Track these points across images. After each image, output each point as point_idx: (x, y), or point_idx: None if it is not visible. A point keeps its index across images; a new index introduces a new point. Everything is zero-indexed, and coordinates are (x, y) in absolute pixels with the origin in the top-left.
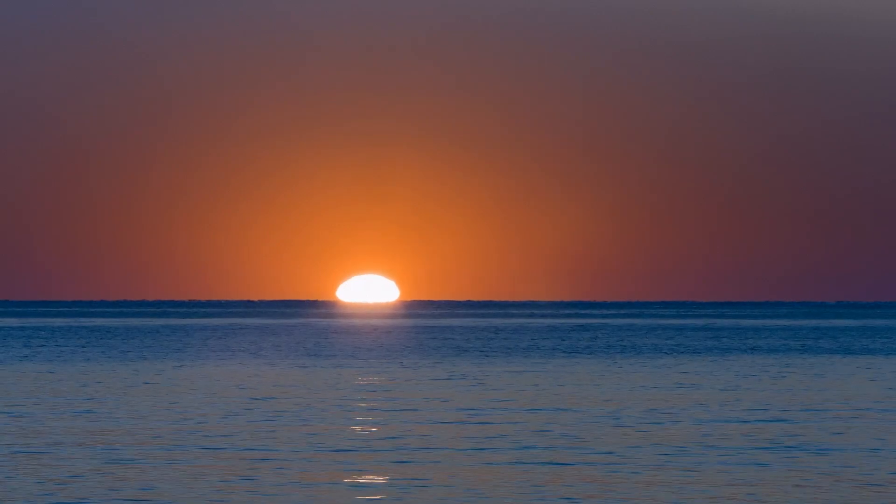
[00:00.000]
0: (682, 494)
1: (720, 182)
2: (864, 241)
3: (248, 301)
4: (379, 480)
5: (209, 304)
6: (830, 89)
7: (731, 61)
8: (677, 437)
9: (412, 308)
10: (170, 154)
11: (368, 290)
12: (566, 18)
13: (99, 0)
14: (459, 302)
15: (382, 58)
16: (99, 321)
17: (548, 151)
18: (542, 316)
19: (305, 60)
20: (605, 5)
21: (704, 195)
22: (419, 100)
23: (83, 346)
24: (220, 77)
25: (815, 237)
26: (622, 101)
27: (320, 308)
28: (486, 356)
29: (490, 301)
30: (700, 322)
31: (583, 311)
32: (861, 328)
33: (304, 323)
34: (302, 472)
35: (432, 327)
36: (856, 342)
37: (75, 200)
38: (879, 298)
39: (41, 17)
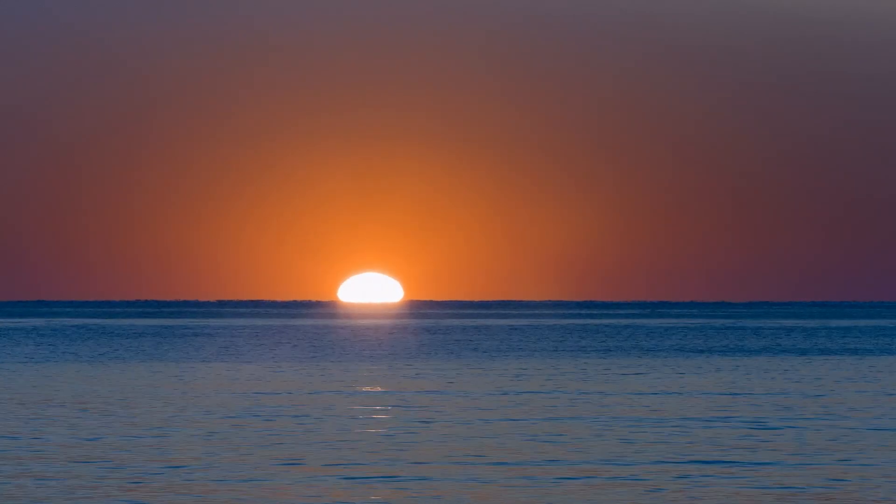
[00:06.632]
0: None
1: (734, 184)
2: (880, 243)
3: (245, 301)
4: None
5: (203, 304)
6: (850, 92)
7: (749, 62)
8: None
9: (422, 308)
10: (162, 151)
11: (371, 289)
12: (580, 15)
13: (90, 1)
14: (469, 302)
15: (386, 51)
16: (92, 321)
17: (560, 148)
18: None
19: (304, 52)
20: (619, 4)
21: (719, 196)
22: (425, 93)
23: (76, 346)
24: (213, 70)
25: (830, 239)
26: (635, 100)
27: (322, 309)
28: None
29: (499, 301)
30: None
31: (613, 312)
32: None
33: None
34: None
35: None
36: None
37: (66, 201)
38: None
39: (34, 18)
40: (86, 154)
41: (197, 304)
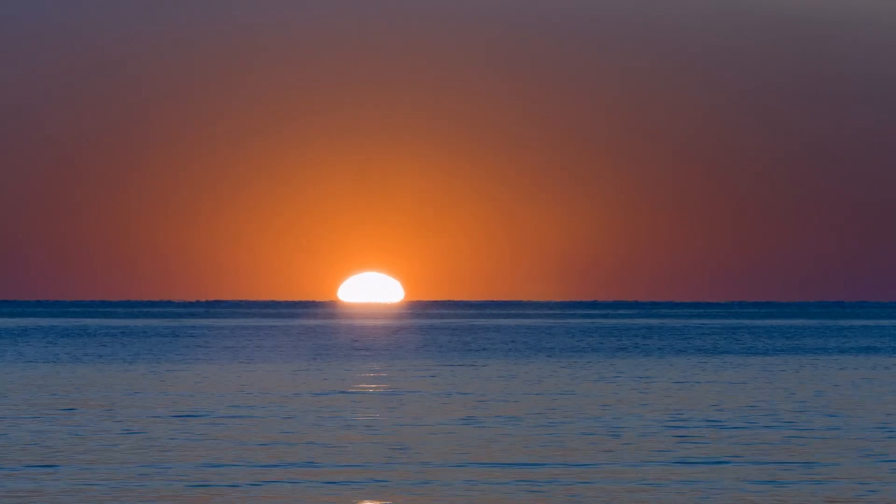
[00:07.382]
0: None
1: (736, 184)
2: (882, 244)
3: (245, 301)
4: None
5: (202, 304)
6: (850, 92)
7: (750, 63)
8: None
9: (422, 308)
10: (162, 151)
11: (371, 289)
12: (581, 16)
13: (89, 1)
14: (469, 302)
15: (387, 50)
16: (93, 321)
17: (561, 148)
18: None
19: (304, 52)
20: (619, 5)
21: (721, 197)
22: (425, 93)
23: (76, 347)
24: (213, 70)
25: (832, 240)
26: (636, 100)
27: (322, 308)
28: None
29: (500, 301)
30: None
31: (613, 312)
32: None
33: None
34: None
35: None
36: None
37: (66, 201)
38: None
39: (33, 18)
40: (86, 154)
41: (196, 304)
